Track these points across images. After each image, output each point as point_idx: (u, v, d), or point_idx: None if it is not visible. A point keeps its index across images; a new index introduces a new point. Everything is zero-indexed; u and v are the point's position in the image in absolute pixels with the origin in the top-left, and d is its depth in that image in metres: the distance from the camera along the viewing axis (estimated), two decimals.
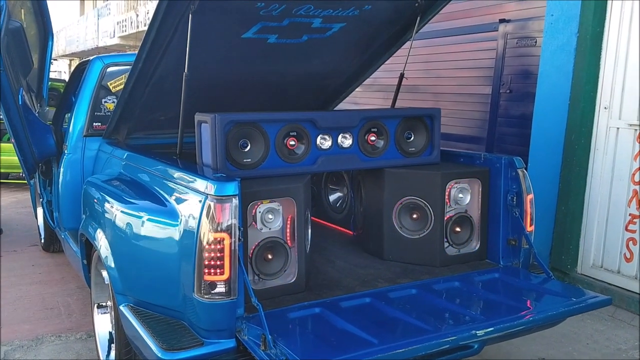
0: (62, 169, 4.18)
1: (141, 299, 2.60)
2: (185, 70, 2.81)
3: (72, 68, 31.33)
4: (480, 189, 3.04)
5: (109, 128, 3.75)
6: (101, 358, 3.24)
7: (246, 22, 2.89)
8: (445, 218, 2.98)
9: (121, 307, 2.66)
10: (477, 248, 3.07)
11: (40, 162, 4.96)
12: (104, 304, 3.37)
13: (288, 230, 2.54)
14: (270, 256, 2.51)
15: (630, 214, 4.33)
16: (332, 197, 3.85)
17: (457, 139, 6.25)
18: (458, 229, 3.03)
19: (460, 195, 3.01)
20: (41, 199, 5.42)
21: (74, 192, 4.04)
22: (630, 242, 4.32)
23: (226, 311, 2.21)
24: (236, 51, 3.14)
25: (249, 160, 2.78)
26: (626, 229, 4.36)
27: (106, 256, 2.81)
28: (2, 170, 8.78)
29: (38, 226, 6.06)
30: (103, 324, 3.35)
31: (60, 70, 32.43)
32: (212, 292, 2.18)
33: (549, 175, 4.86)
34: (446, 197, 2.97)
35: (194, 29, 2.66)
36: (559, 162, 4.80)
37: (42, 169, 5.13)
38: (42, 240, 5.88)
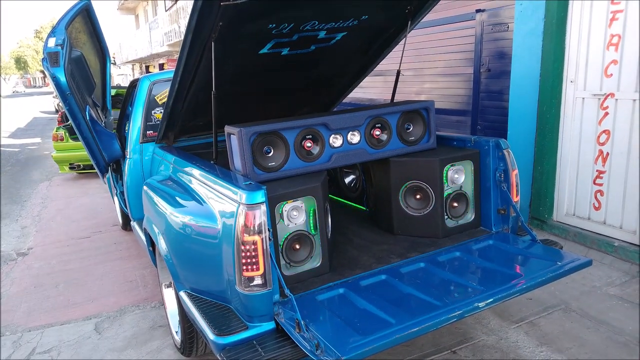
0: (126, 171, 4.04)
1: (195, 288, 2.46)
2: (213, 89, 2.62)
3: (134, 71, 31.09)
4: (472, 169, 2.82)
5: (159, 135, 3.58)
6: (173, 332, 3.11)
7: (261, 41, 2.69)
8: (444, 196, 2.77)
9: (180, 293, 2.53)
10: (472, 219, 2.86)
11: (110, 164, 4.83)
12: (169, 283, 3.26)
13: (311, 222, 2.36)
14: (297, 246, 2.34)
15: (597, 170, 4.04)
16: (346, 179, 3.63)
17: (447, 113, 5.93)
18: (455, 204, 2.82)
19: (456, 175, 2.79)
20: (116, 191, 5.33)
21: (137, 190, 3.90)
22: (598, 194, 4.05)
23: (264, 299, 2.06)
24: (255, 64, 2.95)
25: (273, 163, 2.57)
26: (594, 183, 4.08)
27: (164, 251, 2.66)
28: (75, 163, 8.63)
29: (117, 212, 5.99)
30: (171, 299, 3.24)
31: (125, 73, 32.20)
32: (251, 285, 2.04)
33: (526, 140, 4.57)
34: (444, 178, 2.75)
35: (218, 53, 2.46)
36: (534, 129, 4.49)
37: (113, 166, 5.01)
38: (121, 221, 5.83)
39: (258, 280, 2.03)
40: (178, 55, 2.62)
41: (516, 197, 2.80)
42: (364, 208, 3.42)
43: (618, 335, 2.89)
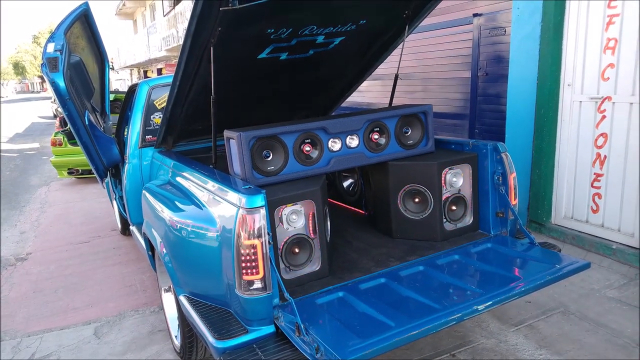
0: (125, 175, 4.04)
1: (195, 292, 2.46)
2: (212, 94, 2.61)
3: (133, 76, 31.07)
4: (471, 172, 2.81)
5: (158, 140, 3.58)
6: (172, 336, 3.10)
7: (260, 45, 2.68)
8: (443, 199, 2.76)
9: (180, 297, 2.53)
10: (470, 222, 2.85)
11: (109, 168, 4.83)
12: (168, 287, 3.25)
13: (310, 226, 2.35)
14: (297, 250, 2.33)
15: (594, 173, 4.06)
16: (345, 183, 3.62)
17: (445, 117, 5.95)
18: (454, 208, 2.81)
19: (454, 179, 2.78)
20: (115, 195, 5.32)
21: (136, 194, 3.90)
22: (596, 197, 4.06)
23: (264, 303, 2.05)
24: (254, 70, 2.94)
25: (272, 167, 2.56)
26: (592, 186, 4.09)
27: (164, 256, 2.66)
28: (74, 168, 8.63)
29: (116, 216, 5.98)
30: (171, 303, 3.24)
31: (123, 78, 32.21)
32: (251, 288, 2.03)
33: (524, 144, 4.58)
34: (442, 182, 2.74)
35: (217, 58, 2.45)
36: (531, 133, 4.51)
37: (112, 171, 5.01)
38: (120, 226, 5.81)
39: (258, 284, 2.03)
40: (177, 60, 2.63)
41: (514, 200, 2.81)
42: (363, 212, 3.41)
43: (617, 338, 2.90)
